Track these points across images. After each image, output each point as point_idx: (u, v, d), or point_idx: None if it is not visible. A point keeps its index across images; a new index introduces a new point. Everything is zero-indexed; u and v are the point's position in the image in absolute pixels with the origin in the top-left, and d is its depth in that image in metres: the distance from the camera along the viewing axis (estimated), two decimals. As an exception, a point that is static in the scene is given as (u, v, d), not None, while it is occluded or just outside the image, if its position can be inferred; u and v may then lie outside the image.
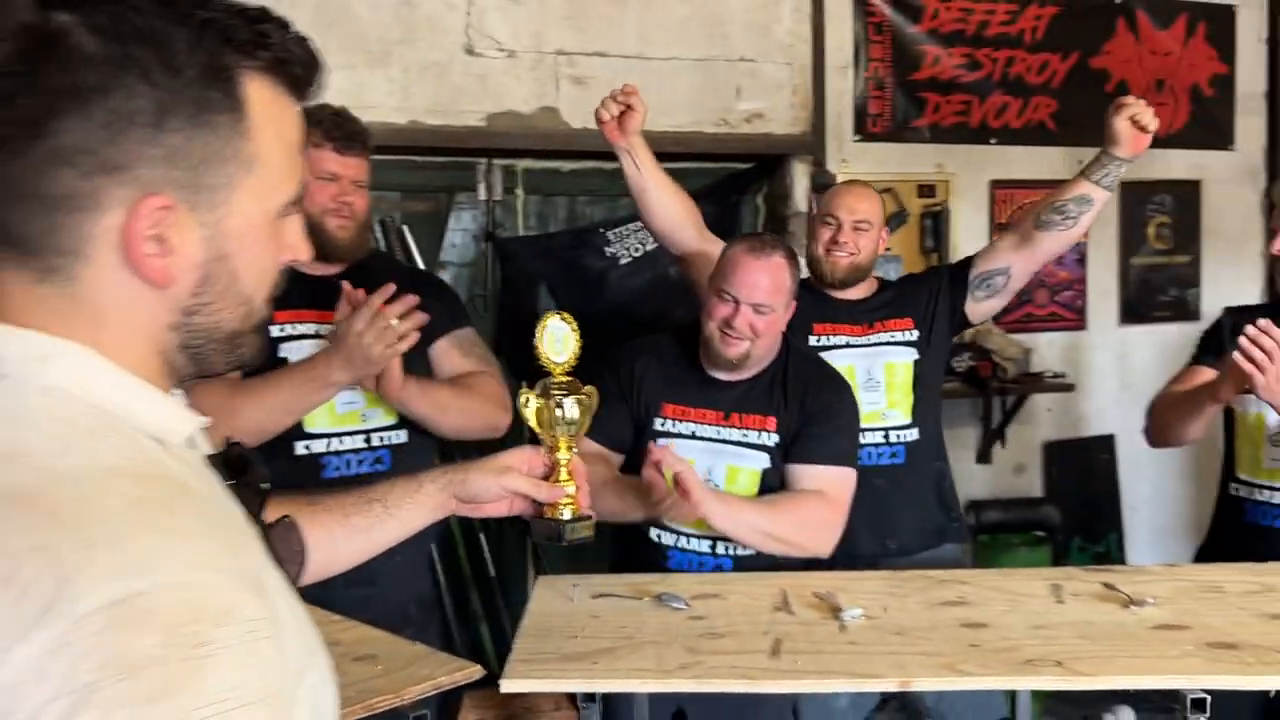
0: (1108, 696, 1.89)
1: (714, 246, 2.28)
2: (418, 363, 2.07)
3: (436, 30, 3.29)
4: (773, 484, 2.07)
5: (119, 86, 0.62)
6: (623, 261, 3.67)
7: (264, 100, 0.68)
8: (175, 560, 0.57)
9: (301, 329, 2.07)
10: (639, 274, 3.64)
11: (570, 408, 1.35)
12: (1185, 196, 4.15)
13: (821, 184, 3.73)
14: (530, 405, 1.37)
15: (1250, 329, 1.95)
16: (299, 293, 2.07)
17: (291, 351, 2.05)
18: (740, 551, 2.06)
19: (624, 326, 3.42)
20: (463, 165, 3.53)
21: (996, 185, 3.94)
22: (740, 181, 3.87)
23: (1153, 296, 4.14)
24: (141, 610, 0.54)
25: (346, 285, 1.94)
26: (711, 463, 2.07)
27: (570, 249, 3.65)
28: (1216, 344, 2.32)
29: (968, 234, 3.86)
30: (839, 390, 2.16)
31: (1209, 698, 1.48)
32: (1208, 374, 2.28)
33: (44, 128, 0.61)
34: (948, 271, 2.55)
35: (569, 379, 1.38)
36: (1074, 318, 4.08)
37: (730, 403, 2.10)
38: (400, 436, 2.15)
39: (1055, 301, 4.05)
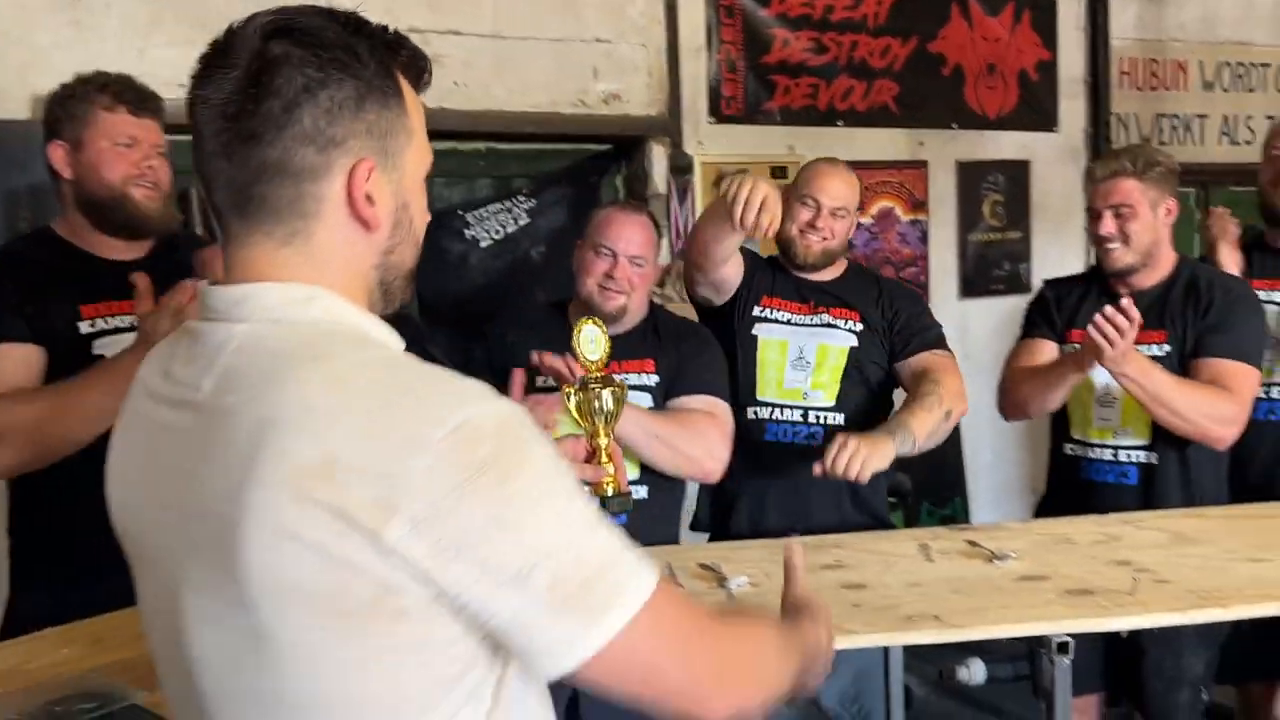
0: (960, 649, 1.99)
1: (735, 259, 2.35)
2: None
3: (278, 4, 3.14)
4: None
5: (332, 81, 0.84)
6: (483, 244, 3.63)
7: (408, 89, 0.91)
8: (470, 395, 0.79)
9: (115, 322, 1.95)
10: (501, 256, 3.60)
11: (607, 399, 1.63)
12: (1016, 176, 4.40)
13: (679, 165, 3.78)
14: (572, 400, 1.63)
15: (1108, 309, 2.08)
16: (108, 283, 1.95)
17: (107, 347, 1.92)
18: None
19: (486, 308, 3.39)
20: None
21: (845, 166, 4.06)
22: (599, 163, 3.87)
23: (989, 271, 4.36)
24: (472, 429, 0.77)
25: (139, 279, 1.80)
26: None
27: (429, 231, 3.57)
28: (1045, 316, 2.47)
29: (819, 213, 3.98)
30: (705, 335, 2.30)
31: (1072, 641, 1.58)
32: (1047, 346, 2.43)
33: (289, 119, 0.83)
34: (906, 322, 2.44)
35: (604, 374, 1.64)
36: (918, 293, 4.26)
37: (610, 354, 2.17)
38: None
39: (900, 278, 4.23)
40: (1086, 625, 1.59)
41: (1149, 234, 2.33)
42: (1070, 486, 2.44)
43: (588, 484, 1.52)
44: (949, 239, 4.31)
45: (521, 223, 3.71)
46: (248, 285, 0.85)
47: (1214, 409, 2.21)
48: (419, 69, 0.92)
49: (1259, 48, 4.76)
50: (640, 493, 2.07)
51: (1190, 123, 4.72)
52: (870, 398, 2.41)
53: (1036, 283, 4.35)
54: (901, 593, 1.73)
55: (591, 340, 1.70)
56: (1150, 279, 2.37)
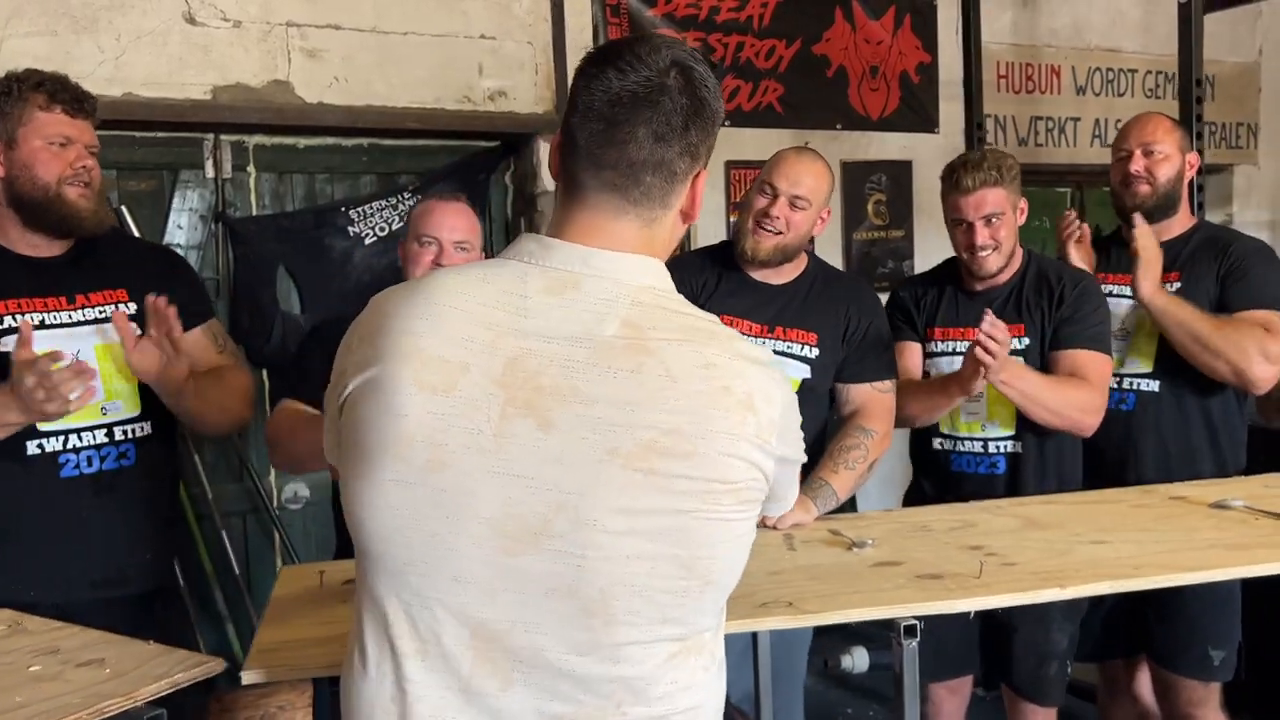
0: (848, 638, 2.04)
1: None
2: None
3: (151, -4, 3.07)
4: None
5: (705, 106, 1.08)
6: (368, 241, 3.58)
7: None
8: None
9: (20, 320, 1.91)
10: (386, 253, 3.57)
11: None
12: (898, 176, 4.51)
13: (566, 163, 3.78)
14: None
15: (985, 327, 2.14)
16: (21, 279, 1.95)
17: (9, 344, 1.87)
18: None
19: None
20: (186, 141, 3.33)
21: (732, 165, 4.12)
22: (487, 160, 3.86)
23: (873, 268, 4.47)
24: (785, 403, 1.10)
25: (25, 323, 1.82)
26: None
27: (312, 229, 3.52)
28: (905, 317, 2.55)
29: (705, 212, 3.99)
30: None
31: (919, 623, 1.63)
32: (912, 347, 2.51)
33: (687, 131, 1.07)
34: (863, 345, 2.37)
35: None
36: (878, 301, 4.33)
37: None
38: (145, 428, 2.05)
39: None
40: (932, 608, 1.64)
41: (1014, 237, 2.42)
42: (939, 479, 2.51)
43: None
44: (834, 236, 4.40)
45: (407, 219, 3.67)
46: (615, 254, 1.07)
47: (1080, 400, 2.31)
48: None
49: (1127, 54, 4.96)
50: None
51: (1064, 125, 4.90)
52: (819, 431, 2.35)
53: (919, 280, 4.50)
54: (760, 581, 1.76)
55: None
56: (1004, 275, 2.45)
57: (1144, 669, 2.69)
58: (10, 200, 1.93)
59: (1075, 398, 2.31)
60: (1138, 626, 2.55)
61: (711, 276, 2.37)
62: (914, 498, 2.59)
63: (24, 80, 1.95)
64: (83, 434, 1.96)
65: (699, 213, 1.14)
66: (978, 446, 2.45)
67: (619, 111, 1.04)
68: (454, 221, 2.13)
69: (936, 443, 2.50)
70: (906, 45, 4.48)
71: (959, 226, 2.42)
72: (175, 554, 2.27)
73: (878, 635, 1.73)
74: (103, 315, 1.99)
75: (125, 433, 2.01)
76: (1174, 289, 2.49)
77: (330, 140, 3.57)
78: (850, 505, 2.31)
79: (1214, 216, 4.84)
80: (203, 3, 3.14)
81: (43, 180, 1.91)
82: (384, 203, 3.67)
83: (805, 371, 2.31)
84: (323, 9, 3.32)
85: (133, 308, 2.02)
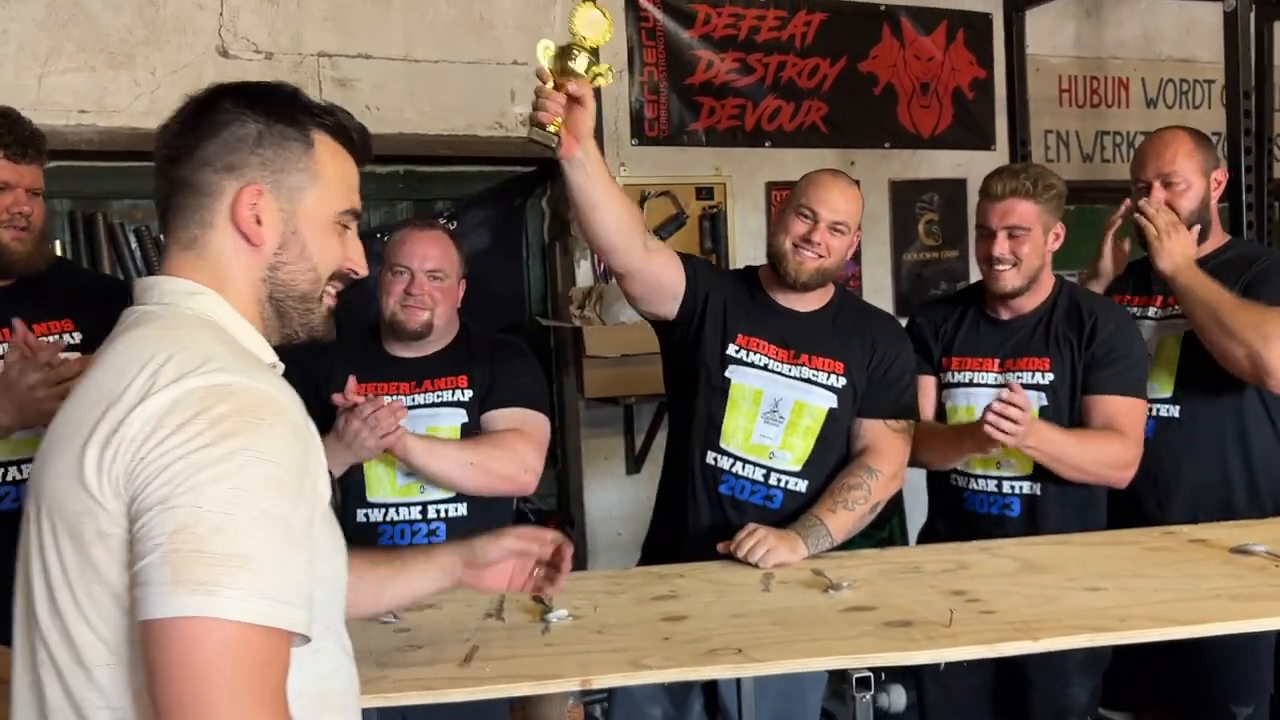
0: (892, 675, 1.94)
1: (660, 257, 2.19)
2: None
3: (185, 31, 3.16)
4: (474, 430, 2.19)
5: (236, 123, 1.07)
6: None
7: (327, 145, 1.11)
8: (259, 380, 0.98)
9: None
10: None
11: (581, 60, 1.80)
12: (951, 194, 4.37)
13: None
14: (550, 50, 1.82)
15: (997, 404, 2.03)
16: None
17: None
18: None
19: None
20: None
21: (772, 186, 4.05)
22: (522, 185, 3.87)
23: (924, 290, 4.33)
24: (226, 391, 0.94)
25: (20, 326, 1.86)
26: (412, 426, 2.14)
27: (347, 255, 3.58)
28: (921, 348, 2.41)
29: (745, 234, 3.97)
30: (516, 346, 2.32)
31: (872, 675, 1.55)
32: (927, 384, 2.39)
33: (199, 147, 1.07)
34: (885, 380, 2.30)
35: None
36: (904, 334, 4.22)
37: (422, 373, 2.22)
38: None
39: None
40: (886, 659, 1.56)
41: (1038, 258, 2.29)
42: (952, 518, 2.40)
43: (537, 121, 1.82)
44: (883, 258, 4.28)
45: (441, 246, 3.70)
46: (158, 276, 1.08)
47: (1112, 456, 2.19)
48: (350, 137, 1.14)
49: (1202, 64, 4.72)
50: (460, 511, 2.16)
51: (1133, 139, 4.68)
52: (838, 464, 2.28)
53: (976, 301, 4.34)
54: (719, 625, 1.70)
55: (591, 22, 1.82)
56: (1031, 303, 2.34)
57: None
58: None
59: (1107, 454, 2.20)
60: (1156, 677, 2.39)
61: (741, 296, 2.30)
62: (928, 537, 2.48)
63: None
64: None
65: (265, 234, 1.08)
66: (991, 485, 2.33)
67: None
68: (426, 250, 2.12)
69: (953, 479, 2.39)
70: (960, 61, 4.35)
71: (982, 236, 2.32)
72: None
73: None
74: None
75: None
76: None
77: (365, 169, 3.61)
78: (901, 535, 2.21)
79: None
80: (235, 36, 3.23)
81: None
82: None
83: (831, 400, 2.24)
84: (353, 39, 3.38)
85: (78, 338, 2.07)
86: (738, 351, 2.24)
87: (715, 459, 2.23)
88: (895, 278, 4.30)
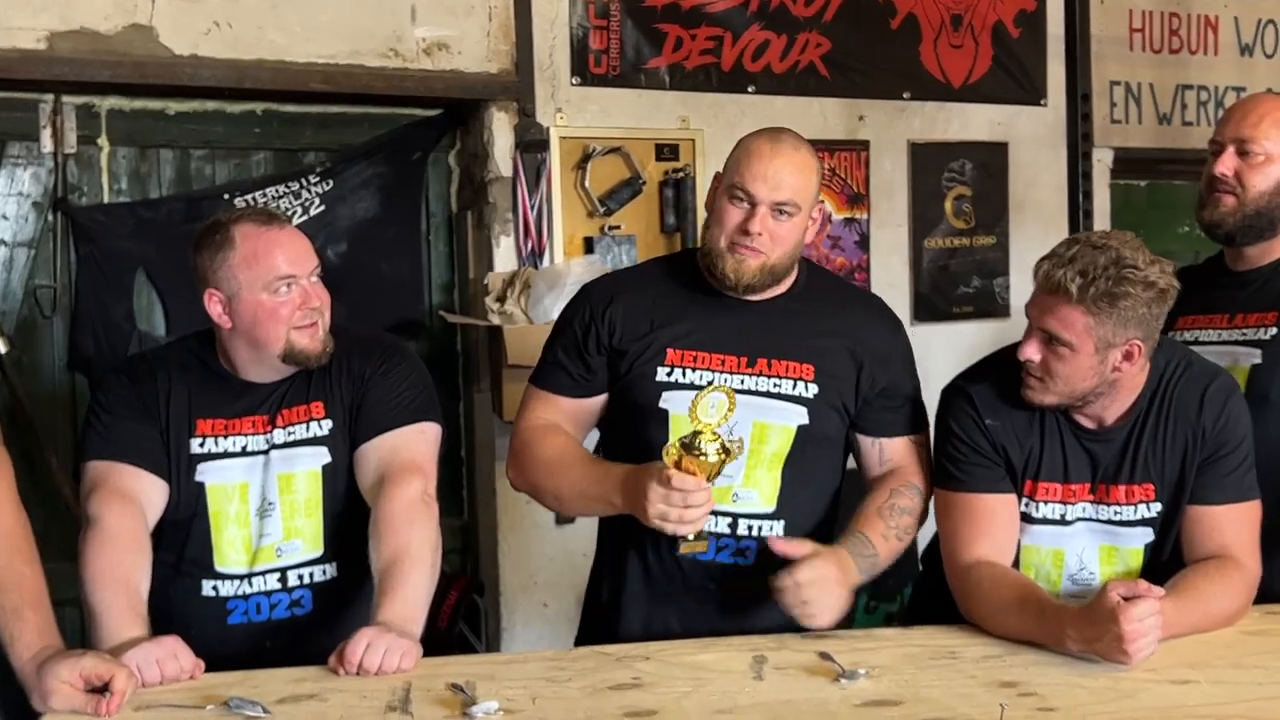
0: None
1: (591, 417, 2.43)
2: None
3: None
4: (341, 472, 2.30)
5: None
6: (254, 240, 3.62)
7: None
8: None
9: None
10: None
11: (711, 453, 2.02)
12: (989, 163, 4.48)
13: (530, 140, 3.80)
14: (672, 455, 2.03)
15: (1127, 629, 1.92)
16: None
17: None
18: None
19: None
20: (15, 104, 3.42)
21: (756, 145, 4.12)
22: (423, 133, 3.91)
23: (952, 288, 4.44)
24: None
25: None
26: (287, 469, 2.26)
27: (183, 222, 3.57)
28: (986, 454, 2.27)
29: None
30: (387, 346, 2.38)
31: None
32: (1001, 506, 2.25)
33: None
34: (889, 383, 2.36)
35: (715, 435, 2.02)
36: (898, 321, 4.29)
37: (277, 402, 2.28)
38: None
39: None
40: (920, 771, 1.61)
41: (1084, 381, 2.18)
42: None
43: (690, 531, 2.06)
44: (897, 244, 4.38)
45: (314, 211, 3.74)
46: None
47: (1235, 602, 2.19)
48: None
49: (1312, 2, 4.92)
50: (328, 574, 2.29)
51: (1223, 96, 4.85)
52: (817, 495, 2.33)
53: (1017, 304, 4.43)
54: (699, 724, 1.75)
55: (713, 405, 2.00)
56: (1113, 414, 2.26)
57: None
58: None
59: (1228, 606, 2.18)
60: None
61: (665, 296, 2.33)
62: (921, 596, 2.57)
63: None
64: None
65: None
66: None
67: None
68: (298, 248, 2.20)
69: None
70: (1002, -12, 4.47)
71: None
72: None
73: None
74: None
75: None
76: (1272, 334, 2.45)
77: (210, 105, 3.63)
78: (848, 621, 2.26)
79: None
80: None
81: None
82: (283, 188, 3.72)
83: (801, 416, 2.27)
84: (200, -68, 3.39)
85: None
86: (670, 374, 2.27)
87: None
88: (914, 270, 4.40)
